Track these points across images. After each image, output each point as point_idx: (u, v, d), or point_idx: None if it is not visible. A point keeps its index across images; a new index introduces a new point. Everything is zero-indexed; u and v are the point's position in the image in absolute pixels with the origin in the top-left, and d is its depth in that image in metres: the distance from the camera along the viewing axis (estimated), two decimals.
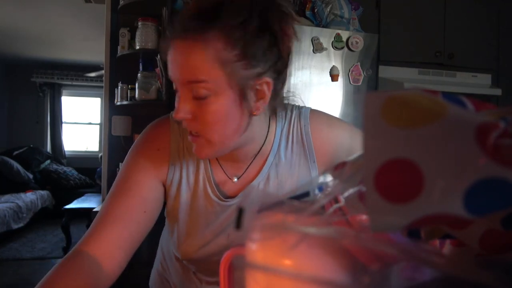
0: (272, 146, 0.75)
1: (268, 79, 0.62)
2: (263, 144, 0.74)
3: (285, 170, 0.75)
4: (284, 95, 0.71)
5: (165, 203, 0.78)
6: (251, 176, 0.75)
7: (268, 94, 0.63)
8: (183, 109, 0.60)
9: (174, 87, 0.63)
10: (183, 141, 0.74)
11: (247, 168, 0.75)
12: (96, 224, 0.68)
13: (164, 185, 0.75)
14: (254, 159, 0.75)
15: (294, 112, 0.77)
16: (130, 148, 0.76)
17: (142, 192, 0.71)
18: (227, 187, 0.75)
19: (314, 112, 0.78)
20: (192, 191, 0.74)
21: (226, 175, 0.75)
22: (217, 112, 0.60)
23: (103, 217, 0.68)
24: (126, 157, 0.75)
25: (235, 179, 0.75)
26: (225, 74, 0.59)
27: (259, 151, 0.74)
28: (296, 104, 0.79)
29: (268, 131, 0.74)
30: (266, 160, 0.75)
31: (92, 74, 5.14)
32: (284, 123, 0.76)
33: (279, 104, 0.71)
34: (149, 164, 0.72)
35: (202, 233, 0.74)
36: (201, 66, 0.58)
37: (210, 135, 0.63)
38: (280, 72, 0.65)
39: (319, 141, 0.75)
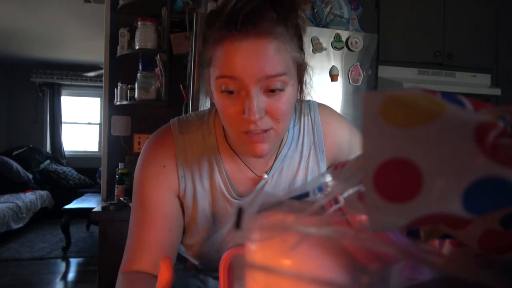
0: (287, 137, 0.76)
1: (308, 66, 0.66)
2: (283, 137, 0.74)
3: (296, 161, 0.76)
4: None
5: None
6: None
7: (304, 81, 0.66)
8: (257, 108, 0.57)
9: (231, 87, 0.58)
10: (191, 149, 0.71)
11: (274, 161, 0.75)
12: (130, 252, 0.70)
13: (178, 197, 0.73)
14: (277, 152, 0.75)
15: (303, 104, 0.77)
16: (136, 167, 0.73)
17: (162, 211, 0.70)
18: (244, 186, 0.74)
19: (321, 105, 0.80)
20: (210, 196, 0.72)
21: (254, 173, 0.74)
22: (287, 102, 0.60)
23: (135, 246, 0.70)
24: (134, 177, 0.73)
25: (266, 175, 0.74)
26: (293, 64, 0.61)
27: (280, 144, 0.74)
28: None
29: None
30: (280, 152, 0.75)
31: (91, 74, 5.14)
32: (295, 115, 0.76)
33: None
34: (159, 182, 0.70)
35: (219, 233, 0.74)
36: (280, 59, 0.57)
37: (280, 127, 0.61)
38: None
39: (328, 132, 0.77)
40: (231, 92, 0.58)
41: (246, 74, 0.56)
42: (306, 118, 0.77)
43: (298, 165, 0.75)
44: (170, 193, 0.71)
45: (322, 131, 0.77)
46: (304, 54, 0.64)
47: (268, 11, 0.55)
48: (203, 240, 0.74)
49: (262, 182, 0.73)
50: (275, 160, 0.75)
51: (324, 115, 0.78)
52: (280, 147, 0.75)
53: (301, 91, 0.66)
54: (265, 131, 0.60)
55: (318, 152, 0.76)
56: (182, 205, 0.74)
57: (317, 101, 0.81)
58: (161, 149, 0.71)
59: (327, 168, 0.78)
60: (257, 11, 0.55)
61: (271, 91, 0.58)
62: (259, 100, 0.57)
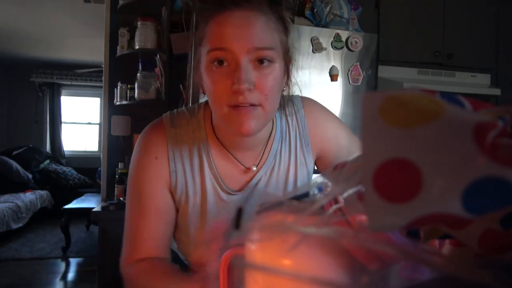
0: (275, 131, 0.76)
1: (291, 56, 0.68)
2: (271, 130, 0.75)
3: (287, 156, 0.76)
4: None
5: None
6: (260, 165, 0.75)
7: (290, 71, 0.68)
8: (247, 79, 0.59)
9: (223, 60, 0.61)
10: (182, 142, 0.72)
11: (262, 155, 0.74)
12: (132, 244, 0.71)
13: (171, 192, 0.73)
14: (266, 146, 0.75)
15: (285, 98, 0.76)
16: (131, 160, 0.74)
17: (156, 205, 0.71)
18: (234, 181, 0.74)
19: (304, 98, 0.80)
20: (201, 192, 0.72)
21: (243, 165, 0.73)
22: (275, 80, 0.62)
23: (135, 237, 0.71)
24: (129, 170, 0.75)
25: (254, 168, 0.74)
26: (280, 43, 0.64)
27: (269, 137, 0.75)
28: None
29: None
30: (271, 146, 0.75)
31: (89, 70, 5.18)
32: (281, 107, 0.75)
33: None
34: (152, 174, 0.71)
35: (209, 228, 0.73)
36: (269, 33, 0.61)
37: (267, 104, 0.62)
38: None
39: (312, 124, 0.77)
40: (221, 63, 0.61)
41: (236, 44, 0.59)
42: (290, 110, 0.77)
43: (289, 159, 0.76)
44: (163, 186, 0.72)
45: (306, 124, 0.77)
46: (290, 49, 0.67)
47: None
48: (195, 244, 0.74)
49: (255, 179, 0.74)
50: (267, 156, 0.74)
51: (308, 108, 0.78)
52: (269, 140, 0.74)
53: (287, 77, 0.68)
54: (253, 106, 0.61)
55: (304, 145, 0.77)
56: (173, 198, 0.74)
57: (299, 95, 0.80)
58: (153, 140, 0.73)
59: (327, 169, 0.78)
60: None
61: (260, 63, 0.61)
62: (248, 71, 0.59)
